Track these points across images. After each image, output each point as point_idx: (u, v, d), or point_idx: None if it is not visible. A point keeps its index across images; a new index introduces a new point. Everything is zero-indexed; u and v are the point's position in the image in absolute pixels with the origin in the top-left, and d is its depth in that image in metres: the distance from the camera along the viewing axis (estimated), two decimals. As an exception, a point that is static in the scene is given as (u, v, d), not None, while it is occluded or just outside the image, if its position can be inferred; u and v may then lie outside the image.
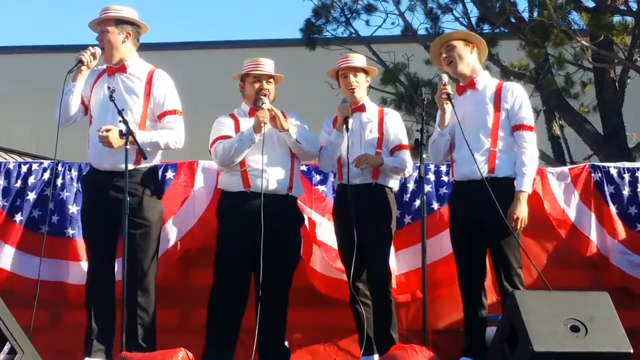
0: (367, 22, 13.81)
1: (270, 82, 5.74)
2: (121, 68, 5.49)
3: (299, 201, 5.86)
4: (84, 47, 5.55)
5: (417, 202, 6.21)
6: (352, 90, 5.83)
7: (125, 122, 5.14)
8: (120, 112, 5.16)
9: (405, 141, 5.86)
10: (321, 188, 6.37)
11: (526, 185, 5.35)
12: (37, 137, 18.76)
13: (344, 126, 5.68)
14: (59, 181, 6.30)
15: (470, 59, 5.60)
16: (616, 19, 11.69)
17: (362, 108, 5.86)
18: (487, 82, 5.60)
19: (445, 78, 5.53)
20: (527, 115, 5.48)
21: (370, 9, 13.67)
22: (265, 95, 5.67)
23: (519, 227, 5.34)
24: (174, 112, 5.50)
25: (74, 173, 6.32)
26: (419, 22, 13.40)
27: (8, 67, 20.59)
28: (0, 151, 14.72)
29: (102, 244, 5.39)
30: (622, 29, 11.29)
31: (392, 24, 13.67)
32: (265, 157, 5.54)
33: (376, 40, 13.94)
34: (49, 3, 29.98)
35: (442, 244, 6.08)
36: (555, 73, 12.48)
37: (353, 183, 5.70)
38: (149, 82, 5.48)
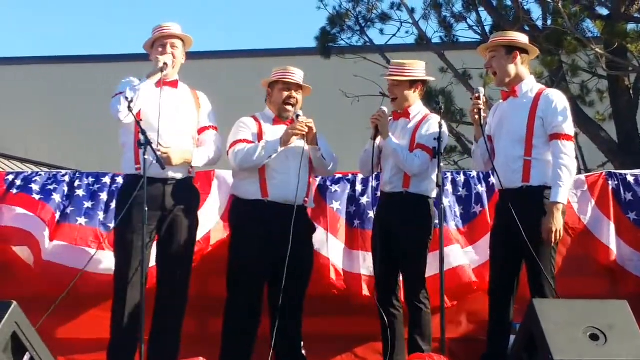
0: (381, 31, 13.85)
1: (298, 92, 5.76)
2: (173, 83, 5.60)
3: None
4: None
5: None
6: (392, 101, 5.80)
7: (143, 132, 5.19)
8: (138, 123, 5.23)
9: (429, 143, 5.62)
10: (335, 206, 6.36)
11: (561, 196, 5.23)
12: (51, 147, 18.87)
13: (375, 135, 5.67)
14: (77, 183, 6.33)
15: (511, 68, 5.46)
16: (630, 26, 11.68)
17: (406, 114, 5.78)
18: (529, 88, 5.46)
19: (482, 91, 5.48)
20: (564, 123, 5.31)
21: (384, 17, 13.68)
22: (293, 105, 5.69)
23: (553, 239, 5.24)
24: (215, 128, 5.70)
25: (91, 179, 6.34)
26: (433, 30, 13.35)
27: (23, 77, 20.68)
28: (16, 161, 14.80)
29: (137, 252, 5.35)
30: (636, 36, 11.23)
31: (407, 32, 13.69)
32: (289, 166, 5.57)
33: (390, 48, 13.95)
34: (62, 14, 30.18)
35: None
36: (569, 81, 12.45)
37: (385, 190, 5.72)
38: (197, 98, 5.69)
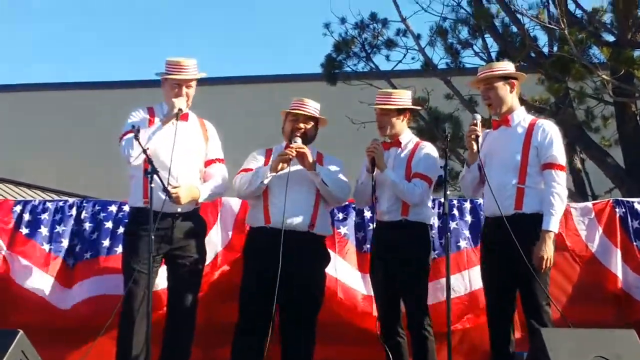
0: (387, 57, 13.85)
1: (309, 122, 5.77)
2: (184, 116, 5.64)
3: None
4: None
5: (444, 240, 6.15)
6: (379, 130, 5.82)
7: (150, 162, 5.22)
8: (144, 151, 5.26)
9: (427, 172, 5.69)
10: (343, 230, 6.37)
11: (552, 224, 5.28)
12: (59, 172, 18.93)
13: (372, 167, 5.66)
14: (83, 214, 6.37)
15: (508, 98, 5.54)
16: (637, 53, 11.66)
17: (397, 144, 5.82)
18: (521, 118, 5.54)
19: (478, 118, 5.49)
20: (558, 154, 5.40)
21: (390, 44, 13.71)
22: (300, 136, 5.70)
23: (544, 266, 5.28)
24: (222, 160, 5.76)
25: (97, 207, 6.39)
26: (439, 57, 13.36)
27: (31, 103, 20.81)
28: (24, 187, 14.83)
29: (144, 282, 5.38)
30: (643, 63, 11.26)
31: (412, 59, 13.69)
32: (290, 191, 5.56)
33: (396, 74, 13.99)
34: (69, 40, 30.36)
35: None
36: (575, 107, 12.45)
37: (382, 220, 5.71)
38: (205, 130, 5.75)
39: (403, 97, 5.83)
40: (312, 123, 5.78)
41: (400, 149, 5.79)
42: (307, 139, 5.73)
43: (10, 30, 30.68)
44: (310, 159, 5.59)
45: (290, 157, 5.56)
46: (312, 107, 5.78)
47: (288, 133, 5.77)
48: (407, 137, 5.86)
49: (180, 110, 5.48)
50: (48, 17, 31.45)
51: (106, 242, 6.27)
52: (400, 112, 5.81)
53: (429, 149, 5.79)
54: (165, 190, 5.26)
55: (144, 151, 5.22)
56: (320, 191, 5.69)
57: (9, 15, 31.87)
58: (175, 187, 5.36)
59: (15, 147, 20.01)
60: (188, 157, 5.57)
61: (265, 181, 5.58)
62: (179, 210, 5.50)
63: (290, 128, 5.75)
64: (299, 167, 5.63)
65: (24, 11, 32.03)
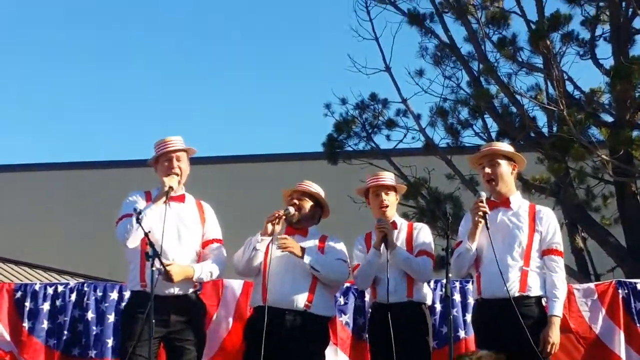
0: (388, 137, 13.95)
1: (304, 199, 5.80)
2: (180, 198, 5.63)
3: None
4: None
5: (444, 329, 6.11)
6: (384, 209, 5.84)
7: (151, 244, 5.20)
8: (146, 234, 5.23)
9: (430, 250, 5.75)
10: (344, 319, 6.33)
11: (558, 309, 5.32)
12: (61, 252, 18.89)
13: (382, 244, 5.66)
14: (85, 301, 6.34)
15: (510, 179, 5.60)
16: (635, 133, 11.78)
17: (393, 225, 5.84)
18: (520, 202, 5.59)
19: (484, 196, 5.50)
20: (559, 241, 5.49)
21: (391, 124, 13.81)
22: (292, 206, 5.74)
23: (551, 351, 5.25)
24: (220, 241, 5.71)
25: (99, 293, 6.37)
26: (440, 136, 13.46)
27: (33, 183, 20.89)
28: (25, 266, 14.78)
29: None
30: (642, 143, 11.36)
31: (413, 138, 13.79)
32: (286, 272, 5.56)
33: (397, 153, 14.06)
34: (68, 118, 30.70)
35: None
36: (576, 186, 12.49)
37: (383, 302, 5.65)
38: (202, 212, 5.70)
39: (392, 178, 5.96)
40: (309, 202, 5.81)
41: (396, 230, 5.83)
42: (303, 216, 5.75)
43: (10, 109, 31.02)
44: (297, 250, 5.59)
45: (274, 220, 5.57)
46: (310, 184, 5.83)
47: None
48: (399, 219, 5.95)
49: (171, 188, 5.45)
50: (55, 97, 31.85)
51: (110, 342, 6.25)
52: (396, 191, 5.90)
53: (425, 228, 5.90)
54: (161, 265, 5.20)
55: (146, 235, 5.21)
56: (315, 275, 5.68)
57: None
58: (168, 265, 5.31)
59: (16, 227, 20.01)
60: (182, 237, 5.53)
61: (258, 246, 5.57)
62: (176, 292, 5.44)
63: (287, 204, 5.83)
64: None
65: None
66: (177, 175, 5.56)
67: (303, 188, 5.82)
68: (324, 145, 13.87)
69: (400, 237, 5.80)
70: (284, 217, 5.64)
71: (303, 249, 5.62)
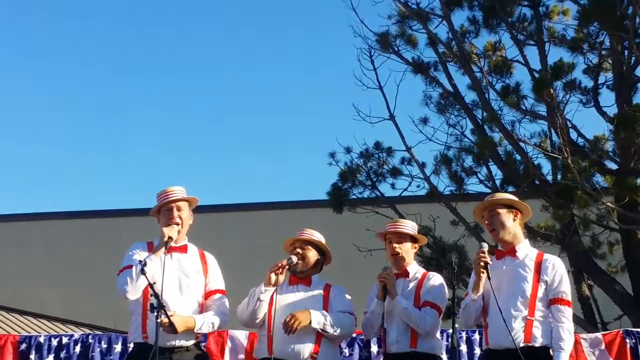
0: (392, 186, 13.94)
1: (307, 248, 5.80)
2: (182, 248, 5.63)
3: None
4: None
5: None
6: (394, 257, 5.84)
7: (156, 295, 5.18)
8: (151, 286, 5.22)
9: (436, 301, 5.69)
10: None
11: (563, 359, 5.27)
12: (65, 301, 18.83)
13: (384, 294, 5.63)
14: (90, 353, 6.30)
15: (512, 226, 5.58)
16: (640, 181, 11.79)
17: (405, 274, 5.83)
18: (527, 250, 5.58)
19: (486, 247, 5.50)
20: (566, 290, 5.45)
21: (395, 172, 13.83)
22: (295, 255, 5.74)
23: None
24: (222, 291, 5.69)
25: (104, 345, 6.34)
26: (444, 184, 13.48)
27: (37, 233, 20.91)
28: (29, 316, 14.74)
29: None
30: (646, 190, 11.34)
31: (418, 186, 13.78)
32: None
33: (402, 200, 14.06)
34: (78, 168, 30.81)
35: None
36: (581, 234, 12.46)
37: (390, 351, 5.64)
38: (205, 262, 5.69)
39: (414, 227, 5.90)
40: (312, 250, 5.80)
41: (408, 279, 5.80)
42: (306, 265, 5.75)
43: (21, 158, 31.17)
44: (305, 321, 5.54)
45: (277, 269, 5.56)
46: (312, 234, 5.83)
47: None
48: (415, 268, 5.89)
49: (170, 238, 5.45)
50: (60, 147, 32.00)
51: None
52: (413, 241, 5.85)
53: (437, 278, 5.82)
54: (166, 315, 5.17)
55: (150, 286, 5.20)
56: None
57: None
58: (170, 315, 5.29)
59: (21, 276, 19.99)
60: (184, 288, 5.53)
61: (262, 297, 5.55)
62: (178, 343, 5.41)
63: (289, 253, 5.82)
64: (300, 296, 5.63)
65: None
66: (177, 225, 5.56)
67: (305, 237, 5.82)
68: (328, 194, 13.87)
69: (410, 286, 5.77)
70: (287, 267, 5.64)
71: (309, 314, 5.58)
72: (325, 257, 5.90)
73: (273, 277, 5.57)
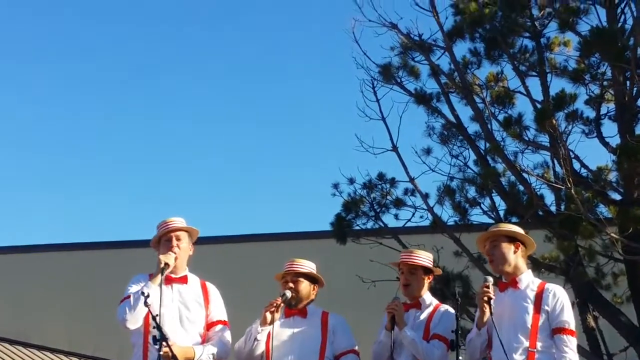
0: (396, 216, 13.95)
1: (299, 280, 5.79)
2: (182, 279, 5.62)
3: None
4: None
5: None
6: (405, 288, 5.83)
7: (159, 328, 5.19)
8: (154, 318, 5.22)
9: (446, 334, 5.66)
10: None
11: None
12: (69, 333, 18.78)
13: (392, 325, 5.62)
14: None
15: (512, 258, 5.57)
16: (644, 211, 11.76)
17: (417, 305, 5.80)
18: (529, 281, 5.57)
19: (490, 281, 5.50)
20: (569, 319, 5.41)
21: (399, 203, 13.83)
22: (288, 290, 5.75)
23: None
24: (224, 322, 5.69)
25: None
26: (448, 215, 13.49)
27: (39, 265, 20.90)
28: (34, 349, 14.70)
29: None
30: (651, 220, 11.31)
31: (421, 217, 13.77)
32: (289, 355, 5.53)
33: (405, 231, 14.06)
34: (77, 202, 30.83)
35: None
36: (586, 265, 12.43)
37: None
38: (206, 293, 5.69)
39: (429, 258, 5.87)
40: (304, 281, 5.81)
41: (419, 310, 5.79)
42: (300, 297, 5.76)
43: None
44: None
45: (272, 309, 5.53)
46: (302, 265, 5.84)
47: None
48: (428, 299, 5.87)
49: (167, 265, 5.44)
50: (59, 178, 32.10)
51: None
52: (427, 272, 5.83)
53: (449, 311, 5.80)
54: (168, 347, 5.15)
55: (154, 318, 5.20)
56: None
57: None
58: (169, 344, 5.25)
59: (23, 308, 19.95)
60: (184, 319, 5.54)
61: (259, 337, 5.56)
62: None
63: (282, 288, 5.82)
64: (297, 329, 5.64)
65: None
66: (175, 253, 5.57)
67: (295, 269, 5.83)
68: (332, 225, 13.88)
69: (420, 318, 5.75)
70: (282, 304, 5.66)
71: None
72: (318, 283, 5.91)
73: (269, 316, 5.58)
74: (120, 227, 32.05)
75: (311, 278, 5.84)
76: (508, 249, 5.55)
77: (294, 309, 5.76)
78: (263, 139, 30.97)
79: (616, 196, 12.20)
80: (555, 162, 12.49)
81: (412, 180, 13.59)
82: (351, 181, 13.87)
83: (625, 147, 11.28)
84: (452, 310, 5.80)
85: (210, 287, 5.79)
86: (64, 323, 19.49)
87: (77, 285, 20.15)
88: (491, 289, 5.45)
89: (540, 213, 12.43)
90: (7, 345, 14.66)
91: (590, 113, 12.63)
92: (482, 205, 13.26)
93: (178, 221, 5.66)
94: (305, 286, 5.79)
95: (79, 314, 19.64)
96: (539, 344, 5.33)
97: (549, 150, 12.45)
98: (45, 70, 31.21)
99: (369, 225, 13.96)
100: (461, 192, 13.32)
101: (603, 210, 11.69)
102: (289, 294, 5.68)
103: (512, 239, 5.59)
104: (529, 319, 5.38)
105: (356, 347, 5.76)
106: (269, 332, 5.57)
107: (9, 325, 18.19)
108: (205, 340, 5.55)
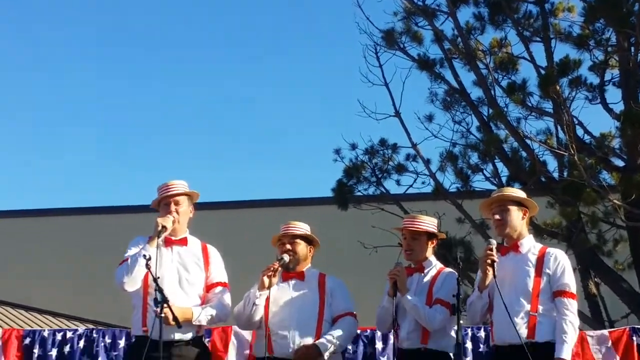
0: (397, 182, 13.92)
1: (296, 242, 5.79)
2: (182, 241, 5.61)
3: None
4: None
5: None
6: (407, 253, 5.82)
7: (160, 290, 5.17)
8: (155, 280, 5.21)
9: (449, 299, 5.61)
10: None
11: (565, 352, 5.21)
12: (71, 297, 18.85)
13: (394, 291, 5.61)
14: (94, 348, 6.30)
15: (519, 224, 5.56)
16: (647, 177, 11.73)
17: (420, 269, 5.80)
18: (530, 245, 5.55)
19: (494, 243, 5.47)
20: (569, 282, 5.40)
21: (400, 169, 13.81)
22: (285, 252, 5.74)
23: None
24: (224, 284, 5.66)
25: (108, 340, 6.34)
26: (450, 181, 13.47)
27: (42, 228, 20.93)
28: (34, 312, 14.75)
29: None
30: (654, 187, 11.29)
31: (423, 183, 13.76)
32: (290, 322, 5.54)
33: (407, 198, 14.03)
34: (73, 165, 30.78)
35: None
36: (588, 231, 12.42)
37: (402, 347, 5.62)
38: (206, 255, 5.66)
39: (432, 222, 5.86)
40: (301, 242, 5.80)
41: (423, 274, 5.77)
42: (298, 259, 5.75)
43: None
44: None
45: (270, 273, 5.55)
46: (298, 227, 5.82)
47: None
48: (431, 263, 5.84)
49: (164, 227, 5.44)
50: (67, 143, 32.06)
51: None
52: (430, 237, 5.82)
53: (451, 275, 5.76)
54: (164, 310, 5.15)
55: (155, 280, 5.19)
56: None
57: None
58: (169, 305, 5.24)
59: (25, 272, 20.01)
60: (183, 281, 5.52)
61: (257, 301, 5.55)
62: (177, 337, 5.38)
63: (280, 251, 5.81)
64: (296, 291, 5.63)
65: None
66: (174, 217, 5.55)
67: (292, 231, 5.82)
68: (333, 191, 13.85)
69: (424, 282, 5.74)
70: (280, 267, 5.64)
71: (317, 349, 5.57)
72: (314, 244, 5.90)
73: (266, 280, 5.57)
74: (124, 192, 32.10)
75: (307, 239, 5.86)
76: (517, 214, 5.53)
77: (292, 272, 5.76)
78: (265, 103, 30.87)
79: (619, 163, 12.18)
80: (559, 128, 12.46)
81: (414, 146, 13.56)
82: (353, 147, 13.85)
83: (629, 114, 11.22)
84: (454, 275, 5.76)
85: (211, 249, 5.78)
86: (65, 287, 19.56)
87: (80, 250, 20.19)
88: (495, 252, 5.44)
89: (543, 179, 12.41)
90: (9, 308, 14.72)
91: (594, 79, 12.59)
92: (484, 171, 13.26)
93: (179, 184, 5.64)
94: (302, 247, 5.80)
95: (81, 279, 19.70)
96: (540, 307, 5.31)
97: (552, 117, 12.40)
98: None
99: (371, 191, 13.94)
100: (463, 158, 13.29)
101: (606, 176, 11.67)
102: (286, 258, 5.67)
103: (520, 204, 5.59)
104: (530, 283, 5.37)
105: (353, 310, 5.75)
106: (268, 296, 5.58)
107: (10, 289, 18.24)
108: (204, 301, 5.55)
